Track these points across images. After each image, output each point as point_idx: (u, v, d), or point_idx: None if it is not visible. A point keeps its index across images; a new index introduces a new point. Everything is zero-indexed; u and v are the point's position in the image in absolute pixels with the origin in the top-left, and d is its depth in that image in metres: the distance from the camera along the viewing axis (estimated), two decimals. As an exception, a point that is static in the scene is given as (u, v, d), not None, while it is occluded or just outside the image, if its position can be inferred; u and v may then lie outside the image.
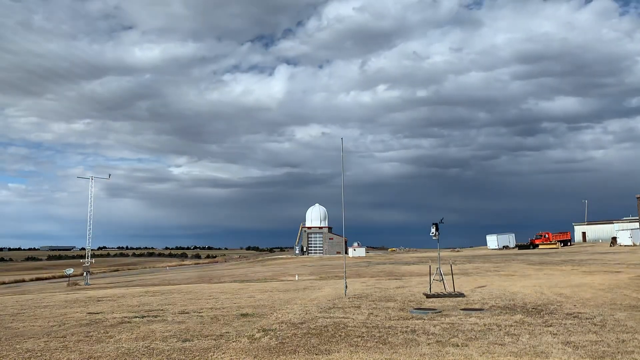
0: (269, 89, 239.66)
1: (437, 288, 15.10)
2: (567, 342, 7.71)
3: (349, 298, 14.46)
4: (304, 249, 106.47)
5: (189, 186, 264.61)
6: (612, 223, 79.67)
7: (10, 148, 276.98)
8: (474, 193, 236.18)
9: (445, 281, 14.98)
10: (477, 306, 11.90)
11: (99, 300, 17.28)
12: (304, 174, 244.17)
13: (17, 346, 8.61)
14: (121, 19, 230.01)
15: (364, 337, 8.46)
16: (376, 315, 10.82)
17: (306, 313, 11.49)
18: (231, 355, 7.39)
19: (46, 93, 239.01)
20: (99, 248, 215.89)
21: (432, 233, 15.42)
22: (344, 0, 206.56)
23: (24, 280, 62.42)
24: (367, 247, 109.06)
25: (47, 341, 8.98)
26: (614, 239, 67.36)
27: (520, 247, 77.24)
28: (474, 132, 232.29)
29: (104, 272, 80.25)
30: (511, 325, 9.19)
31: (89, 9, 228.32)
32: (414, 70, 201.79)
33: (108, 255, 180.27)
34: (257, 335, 8.91)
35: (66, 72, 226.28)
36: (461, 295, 13.95)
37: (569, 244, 76.63)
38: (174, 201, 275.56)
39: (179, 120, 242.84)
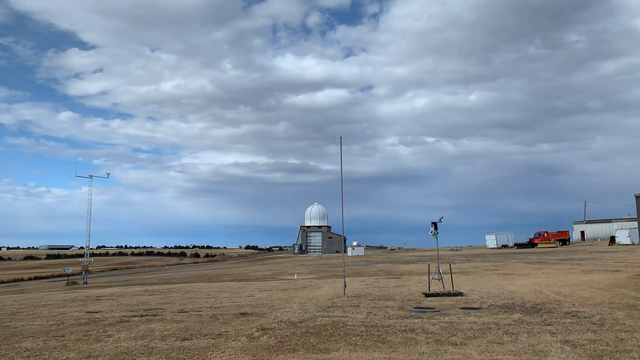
0: (458, 100, 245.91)
1: (436, 287, 15.11)
2: (566, 341, 7.73)
3: (347, 297, 14.46)
4: (303, 248, 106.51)
5: (271, 185, 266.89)
6: (611, 222, 79.81)
7: (137, 152, 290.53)
8: (538, 194, 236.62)
9: (444, 280, 14.99)
10: (475, 305, 11.92)
11: (97, 299, 17.27)
12: (396, 171, 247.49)
13: (16, 345, 8.60)
14: (383, 47, 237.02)
15: (362, 336, 8.46)
16: (375, 314, 10.83)
17: (305, 312, 11.49)
18: (230, 354, 7.39)
19: (249, 104, 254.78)
20: (98, 247, 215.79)
21: (431, 232, 15.43)
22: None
23: (22, 279, 62.41)
24: (367, 246, 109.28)
25: (46, 340, 8.97)
26: (613, 238, 67.52)
27: (519, 246, 77.33)
28: (600, 137, 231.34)
29: (103, 271, 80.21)
30: (510, 324, 9.20)
31: (369, 39, 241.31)
32: (607, 83, 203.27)
33: (107, 254, 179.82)
34: (256, 334, 8.91)
35: (285, 86, 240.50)
36: (460, 294, 13.96)
37: (567, 243, 76.75)
38: (236, 201, 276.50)
39: (342, 126, 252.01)
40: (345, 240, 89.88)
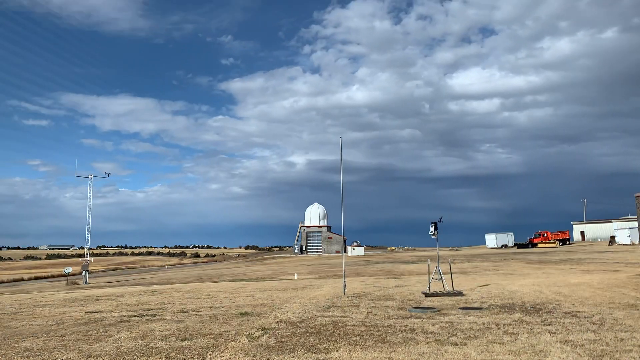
0: (594, 108, 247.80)
1: (436, 287, 15.12)
2: (566, 340, 7.73)
3: (347, 297, 14.46)
4: (303, 248, 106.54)
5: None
6: (611, 222, 79.81)
7: (233, 159, 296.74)
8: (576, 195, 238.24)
9: (444, 280, 14.99)
10: (475, 305, 11.92)
11: (97, 299, 17.27)
12: (474, 174, 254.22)
13: (16, 345, 8.60)
14: (566, 66, 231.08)
15: (362, 336, 8.46)
16: (375, 314, 10.83)
17: (305, 312, 11.49)
18: (230, 354, 7.40)
19: (393, 113, 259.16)
20: (98, 247, 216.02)
21: (431, 232, 15.42)
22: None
23: (22, 279, 62.41)
24: (366, 246, 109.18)
25: (46, 340, 8.97)
26: (613, 238, 67.51)
27: (519, 246, 77.36)
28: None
29: (103, 271, 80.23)
30: (510, 324, 9.20)
31: (556, 55, 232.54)
32: None
33: (107, 254, 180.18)
34: (256, 334, 8.91)
35: (441, 97, 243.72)
36: (460, 294, 13.96)
37: (567, 243, 76.76)
38: (269, 203, 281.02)
39: (466, 131, 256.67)
40: (345, 241, 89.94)
